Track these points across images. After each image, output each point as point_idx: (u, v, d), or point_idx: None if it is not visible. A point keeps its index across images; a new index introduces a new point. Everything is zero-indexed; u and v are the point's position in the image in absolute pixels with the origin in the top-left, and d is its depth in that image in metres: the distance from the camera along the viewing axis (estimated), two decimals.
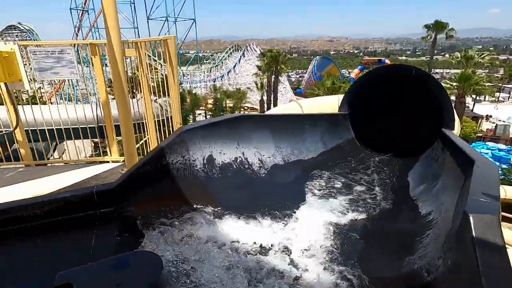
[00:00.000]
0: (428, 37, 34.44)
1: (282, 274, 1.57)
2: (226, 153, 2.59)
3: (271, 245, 1.82)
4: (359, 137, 3.66)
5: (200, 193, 2.34)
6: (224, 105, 36.01)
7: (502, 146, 23.69)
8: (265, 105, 33.99)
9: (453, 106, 3.10)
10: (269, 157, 2.84)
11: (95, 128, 3.90)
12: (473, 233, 1.03)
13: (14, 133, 3.41)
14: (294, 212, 2.15)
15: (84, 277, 1.10)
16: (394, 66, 4.50)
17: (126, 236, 1.94)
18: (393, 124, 3.49)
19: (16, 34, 41.46)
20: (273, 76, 33.28)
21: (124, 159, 3.38)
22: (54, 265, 1.67)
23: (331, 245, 1.77)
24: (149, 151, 3.75)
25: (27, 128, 3.65)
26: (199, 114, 36.73)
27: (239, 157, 2.65)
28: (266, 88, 33.75)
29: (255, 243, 1.85)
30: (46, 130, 3.67)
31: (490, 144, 24.31)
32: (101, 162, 3.71)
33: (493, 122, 31.51)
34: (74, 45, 3.92)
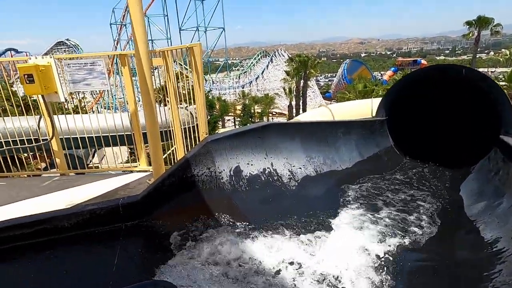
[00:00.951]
0: (470, 34, 32.01)
1: None
2: (254, 164, 2.43)
3: (300, 268, 1.62)
4: (398, 144, 3.34)
5: (226, 207, 2.21)
6: (252, 111, 36.19)
7: None
8: (294, 110, 33.61)
9: None
10: (300, 168, 2.64)
11: (129, 135, 4.03)
12: None
13: (51, 143, 3.56)
14: (327, 231, 1.93)
15: None
16: (439, 66, 4.09)
17: (149, 252, 1.86)
18: (438, 130, 3.14)
19: (64, 49, 45.32)
20: (301, 81, 32.86)
21: (152, 169, 3.38)
22: (79, 280, 1.63)
23: (368, 276, 1.51)
24: (176, 161, 3.73)
25: (68, 136, 3.85)
26: (228, 120, 37.28)
27: (268, 168, 2.48)
28: (294, 93, 33.39)
29: (283, 261, 1.67)
30: (86, 138, 3.89)
31: None
32: (131, 171, 3.76)
33: None
34: (108, 56, 4.07)
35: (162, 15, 43.55)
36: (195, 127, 3.73)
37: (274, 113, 40.05)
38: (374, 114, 3.55)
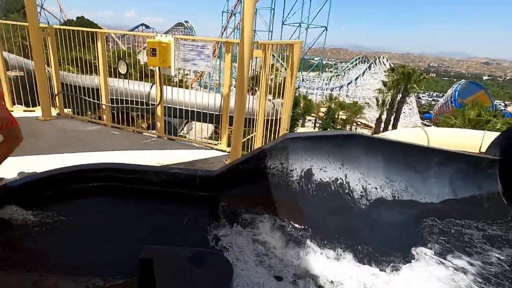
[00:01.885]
0: None
1: None
2: (327, 171, 2.36)
3: None
4: (507, 193, 2.75)
5: (289, 206, 2.23)
6: (336, 116, 34.76)
7: None
8: (382, 125, 30.86)
9: None
10: (376, 188, 2.44)
11: (217, 115, 4.45)
12: None
13: (156, 109, 4.18)
14: (396, 269, 1.75)
15: (163, 259, 1.16)
16: None
17: (214, 223, 2.02)
18: None
19: (181, 30, 51.80)
20: (399, 95, 29.79)
21: (230, 151, 3.63)
22: (146, 229, 1.91)
23: None
24: (252, 149, 3.91)
25: (170, 105, 4.48)
26: (308, 120, 36.78)
27: (341, 179, 2.38)
28: (387, 106, 30.54)
29: (332, 282, 1.60)
30: (183, 110, 4.46)
31: None
32: (211, 148, 4.13)
33: None
34: (218, 42, 4.49)
35: (269, 8, 45.28)
36: (278, 120, 3.82)
37: (359, 123, 37.66)
38: (483, 150, 2.98)
